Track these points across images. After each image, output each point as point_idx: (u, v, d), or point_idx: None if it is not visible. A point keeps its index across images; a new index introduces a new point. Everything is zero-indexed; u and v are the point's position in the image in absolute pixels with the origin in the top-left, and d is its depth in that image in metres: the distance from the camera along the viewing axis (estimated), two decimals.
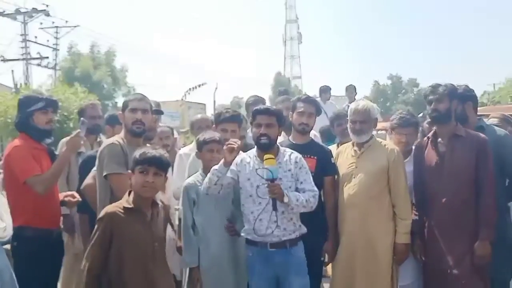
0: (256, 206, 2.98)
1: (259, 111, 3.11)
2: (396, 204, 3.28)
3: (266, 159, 2.86)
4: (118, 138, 3.00)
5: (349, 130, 3.43)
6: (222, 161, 2.94)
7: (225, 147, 2.94)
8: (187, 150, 3.82)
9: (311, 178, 3.05)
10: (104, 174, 2.85)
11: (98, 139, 4.29)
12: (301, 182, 3.01)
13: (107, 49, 23.90)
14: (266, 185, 2.86)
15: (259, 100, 4.65)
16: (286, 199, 2.83)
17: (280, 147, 3.15)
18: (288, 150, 3.14)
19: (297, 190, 2.99)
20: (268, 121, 3.03)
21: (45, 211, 3.14)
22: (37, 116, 3.17)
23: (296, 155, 3.09)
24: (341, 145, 3.80)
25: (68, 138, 3.35)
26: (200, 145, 3.19)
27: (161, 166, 2.53)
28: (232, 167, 3.02)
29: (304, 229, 3.05)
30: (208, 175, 2.98)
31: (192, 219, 3.15)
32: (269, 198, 2.87)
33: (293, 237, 3.00)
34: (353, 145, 3.44)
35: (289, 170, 3.02)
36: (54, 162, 3.18)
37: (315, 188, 3.00)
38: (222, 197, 3.15)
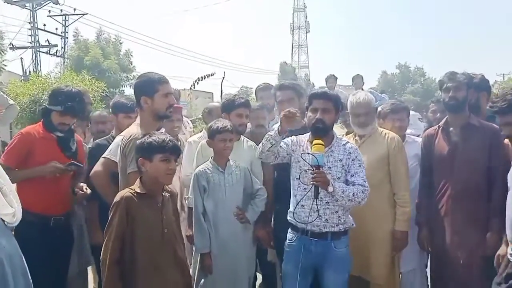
0: (300, 190, 2.87)
1: (316, 95, 2.95)
2: (396, 192, 3.27)
3: (314, 144, 2.73)
4: (138, 128, 2.81)
5: (351, 123, 3.42)
6: (276, 128, 2.90)
7: (282, 113, 2.89)
8: (196, 138, 3.80)
9: (364, 172, 2.90)
10: (129, 172, 2.71)
11: (89, 126, 4.40)
12: (352, 175, 2.85)
13: (113, 37, 23.86)
14: (310, 171, 2.74)
15: (269, 86, 4.64)
16: (330, 189, 2.70)
17: (337, 135, 2.99)
18: (345, 139, 3.00)
19: (347, 182, 2.85)
20: (324, 106, 2.88)
21: (47, 197, 3.17)
22: (54, 115, 3.27)
23: (351, 145, 2.94)
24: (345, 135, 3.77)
25: None
26: (213, 134, 3.17)
27: (179, 153, 2.61)
28: (286, 144, 2.96)
29: (349, 223, 2.91)
30: (263, 141, 2.98)
31: (203, 206, 3.16)
32: (312, 185, 2.73)
33: (336, 230, 2.85)
34: (354, 135, 3.45)
35: (340, 160, 2.87)
36: (28, 170, 3.17)
37: (366, 184, 2.84)
38: (232, 185, 3.17)
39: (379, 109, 3.85)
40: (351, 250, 3.14)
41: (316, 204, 2.76)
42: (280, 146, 2.97)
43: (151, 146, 2.49)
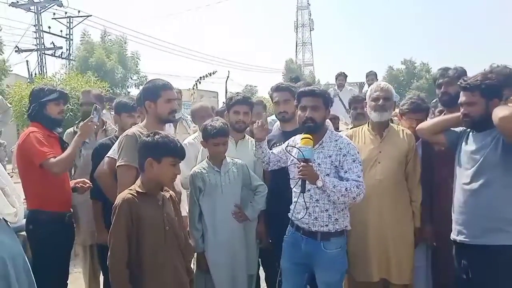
0: (294, 186, 2.86)
1: (304, 93, 2.89)
2: (412, 188, 3.25)
3: (302, 138, 2.71)
4: (139, 128, 2.89)
5: (369, 109, 3.29)
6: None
7: (254, 126, 3.04)
8: (191, 139, 3.78)
9: (360, 167, 2.77)
10: (117, 165, 2.79)
11: (104, 127, 4.26)
12: (346, 171, 2.74)
13: (116, 38, 23.83)
14: (296, 165, 2.69)
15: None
16: (320, 183, 2.62)
17: (329, 131, 2.92)
18: (338, 135, 2.91)
19: (341, 179, 2.74)
20: (313, 103, 2.82)
21: (58, 195, 3.23)
22: (50, 106, 3.34)
23: (343, 140, 2.84)
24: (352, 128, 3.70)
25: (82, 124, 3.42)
26: (206, 137, 3.17)
27: (184, 157, 2.58)
28: (277, 151, 3.09)
29: (342, 225, 2.81)
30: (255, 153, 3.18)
31: (198, 207, 3.17)
32: (299, 179, 2.67)
33: (326, 230, 2.77)
34: (370, 130, 3.32)
35: (330, 157, 2.79)
36: (68, 147, 3.25)
37: (361, 179, 2.72)
38: (229, 183, 3.17)
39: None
40: (372, 253, 3.13)
41: (304, 200, 2.70)
42: (272, 153, 3.11)
43: (162, 147, 2.42)
